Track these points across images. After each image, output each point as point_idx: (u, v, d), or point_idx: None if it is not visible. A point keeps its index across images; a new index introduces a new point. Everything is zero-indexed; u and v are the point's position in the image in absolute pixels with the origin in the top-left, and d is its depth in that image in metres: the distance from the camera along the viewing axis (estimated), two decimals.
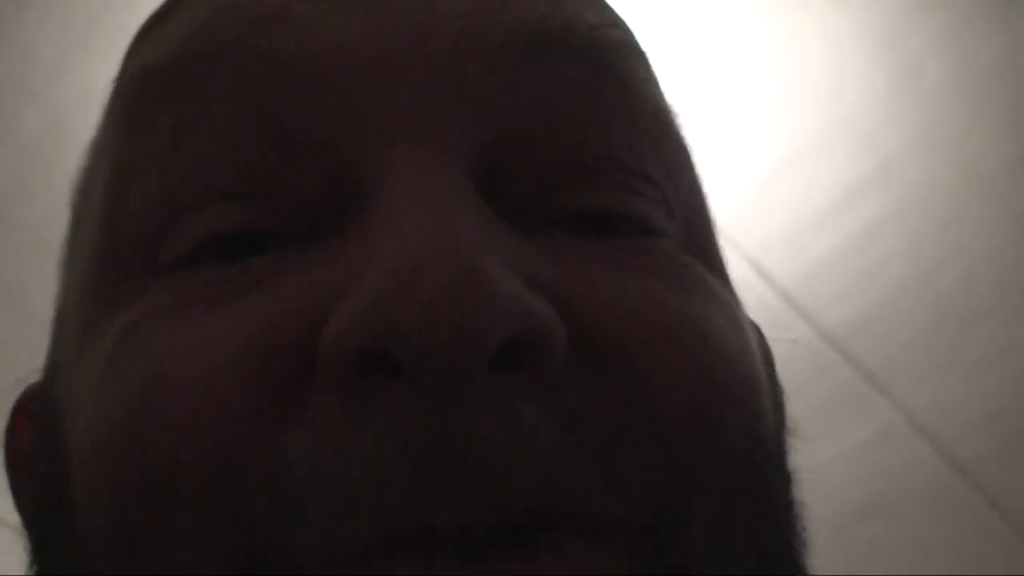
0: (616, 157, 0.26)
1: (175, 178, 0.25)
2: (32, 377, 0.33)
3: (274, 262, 0.24)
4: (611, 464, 0.22)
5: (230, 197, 0.25)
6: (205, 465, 0.22)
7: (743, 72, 1.22)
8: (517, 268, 0.22)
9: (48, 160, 1.20)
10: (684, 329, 0.24)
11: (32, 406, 0.31)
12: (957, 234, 1.39)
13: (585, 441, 0.22)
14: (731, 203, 1.32)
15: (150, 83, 0.27)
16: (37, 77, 1.15)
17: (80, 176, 0.31)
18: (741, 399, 0.24)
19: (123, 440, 0.23)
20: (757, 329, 0.33)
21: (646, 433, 0.23)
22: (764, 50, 1.21)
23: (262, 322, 0.23)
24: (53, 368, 0.29)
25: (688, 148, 0.29)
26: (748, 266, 1.38)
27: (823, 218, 1.36)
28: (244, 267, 0.24)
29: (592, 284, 0.24)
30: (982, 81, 1.24)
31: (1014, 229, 1.39)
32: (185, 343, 0.23)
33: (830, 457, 1.61)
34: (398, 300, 0.20)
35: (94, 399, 0.24)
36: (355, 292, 0.21)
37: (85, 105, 1.12)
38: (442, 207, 0.22)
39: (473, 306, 0.20)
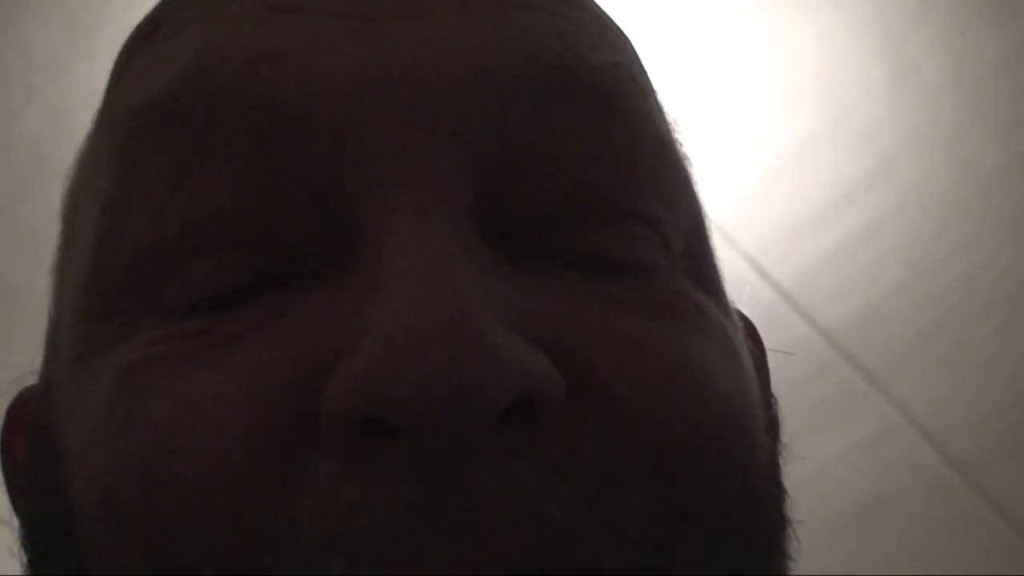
0: (618, 198, 0.26)
1: (170, 225, 0.25)
2: (28, 379, 0.33)
3: (269, 305, 0.24)
4: (606, 514, 0.22)
5: (226, 244, 0.25)
6: (215, 531, 0.22)
7: (741, 72, 1.22)
8: (515, 320, 0.22)
9: (48, 159, 1.20)
10: (678, 372, 0.25)
11: (28, 413, 0.31)
12: (956, 233, 1.39)
13: (581, 492, 0.22)
14: (730, 202, 1.32)
15: (143, 121, 0.26)
16: (37, 76, 1.15)
17: (72, 188, 0.31)
18: (734, 440, 0.25)
19: (131, 503, 0.23)
20: (752, 330, 0.33)
21: (642, 480, 0.23)
22: (763, 50, 1.21)
23: (265, 381, 0.23)
24: (48, 383, 0.29)
25: (689, 170, 0.29)
26: (747, 265, 1.38)
27: (822, 217, 1.36)
28: (240, 309, 0.24)
29: (588, 327, 0.24)
30: (980, 81, 1.25)
31: (1012, 228, 1.39)
32: (188, 402, 0.23)
33: (829, 455, 1.61)
34: (395, 371, 0.21)
35: (95, 444, 0.24)
36: (352, 357, 0.22)
37: (85, 104, 1.12)
38: (440, 258, 0.22)
39: (473, 376, 0.20)
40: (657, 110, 0.29)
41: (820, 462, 1.60)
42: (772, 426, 0.29)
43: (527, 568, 0.21)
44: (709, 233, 0.30)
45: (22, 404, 0.33)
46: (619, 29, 0.30)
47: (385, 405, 0.21)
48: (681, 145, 0.29)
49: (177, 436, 0.23)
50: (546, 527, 0.21)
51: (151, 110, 0.26)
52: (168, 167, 0.25)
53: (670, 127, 0.29)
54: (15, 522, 0.30)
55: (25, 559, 0.28)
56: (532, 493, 0.21)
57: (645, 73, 0.30)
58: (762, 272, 1.40)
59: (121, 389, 0.24)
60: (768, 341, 0.35)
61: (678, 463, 0.24)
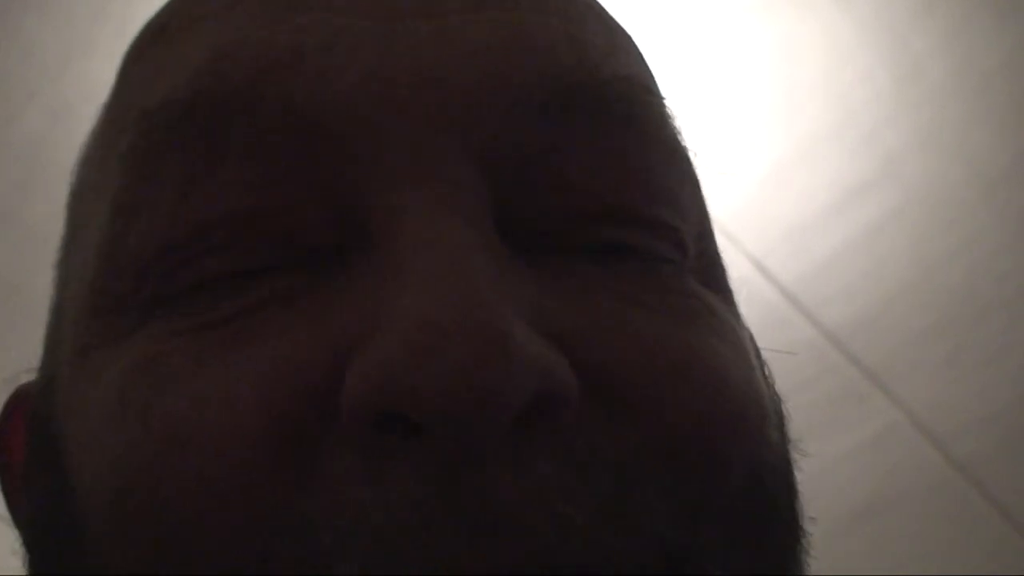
0: (631, 205, 0.26)
1: (183, 226, 0.25)
2: (24, 378, 0.32)
3: (282, 299, 0.24)
4: (625, 513, 0.22)
5: (238, 243, 0.25)
6: (227, 527, 0.22)
7: (746, 71, 1.22)
8: (533, 317, 0.23)
9: (49, 159, 1.20)
10: (692, 369, 0.25)
11: (27, 410, 0.31)
12: (959, 233, 1.39)
13: (600, 490, 0.22)
14: (733, 202, 1.32)
15: (155, 124, 0.26)
16: (37, 76, 1.15)
17: (77, 185, 0.31)
18: (747, 435, 0.25)
19: (143, 497, 0.23)
20: (749, 335, 0.34)
21: (658, 476, 0.23)
22: (767, 50, 1.21)
23: (278, 375, 0.23)
24: (49, 380, 0.29)
25: (696, 174, 0.30)
26: (751, 265, 1.38)
27: (825, 218, 1.36)
28: (252, 303, 0.24)
29: (603, 325, 0.24)
30: (984, 81, 1.24)
31: (1016, 228, 1.39)
32: (203, 395, 0.23)
33: (832, 456, 1.61)
34: (416, 367, 0.21)
35: (106, 437, 0.24)
36: (371, 351, 0.22)
37: (86, 103, 1.12)
38: (458, 252, 0.22)
39: (496, 375, 0.20)
40: (667, 117, 0.29)
41: (822, 463, 1.59)
42: (782, 428, 0.29)
43: (546, 569, 0.21)
44: (712, 228, 0.31)
45: (19, 400, 0.32)
46: (624, 31, 0.31)
47: (405, 397, 0.21)
48: (688, 149, 0.29)
49: (191, 430, 0.23)
50: (566, 527, 0.21)
51: (163, 114, 0.26)
52: (180, 170, 0.25)
53: (678, 132, 0.29)
54: None
55: (27, 558, 0.28)
56: (551, 492, 0.21)
57: (654, 79, 0.30)
58: (765, 273, 1.40)
59: (136, 382, 0.24)
60: (771, 342, 0.35)
61: (693, 458, 0.24)
